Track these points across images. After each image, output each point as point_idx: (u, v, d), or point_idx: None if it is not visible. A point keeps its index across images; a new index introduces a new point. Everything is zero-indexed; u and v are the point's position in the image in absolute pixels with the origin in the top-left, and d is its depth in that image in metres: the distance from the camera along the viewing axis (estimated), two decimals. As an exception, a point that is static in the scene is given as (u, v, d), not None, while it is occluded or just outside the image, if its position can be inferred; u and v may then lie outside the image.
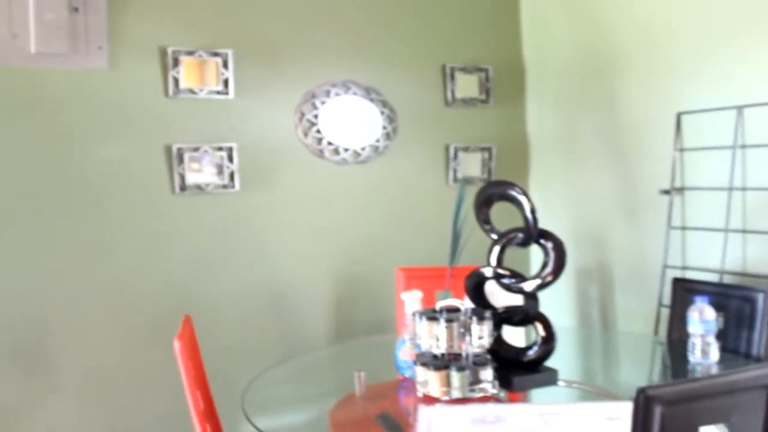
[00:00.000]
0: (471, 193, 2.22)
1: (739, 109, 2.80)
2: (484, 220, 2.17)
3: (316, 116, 3.33)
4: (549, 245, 2.05)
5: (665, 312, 3.00)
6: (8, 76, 2.86)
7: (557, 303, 3.52)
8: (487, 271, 2.08)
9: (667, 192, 3.08)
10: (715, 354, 2.24)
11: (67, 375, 2.98)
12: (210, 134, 3.20)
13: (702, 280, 2.86)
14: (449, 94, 3.65)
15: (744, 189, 2.84)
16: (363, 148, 3.43)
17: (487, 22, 3.79)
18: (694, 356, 2.26)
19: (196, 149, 3.15)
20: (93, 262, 3.02)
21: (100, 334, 3.04)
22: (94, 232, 3.02)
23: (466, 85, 3.69)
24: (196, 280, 3.19)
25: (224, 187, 3.20)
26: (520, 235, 2.08)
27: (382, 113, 3.45)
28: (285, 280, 3.36)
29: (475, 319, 1.93)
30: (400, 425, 1.91)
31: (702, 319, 2.26)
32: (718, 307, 2.33)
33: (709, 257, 2.96)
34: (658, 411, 1.28)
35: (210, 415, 2.10)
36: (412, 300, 2.12)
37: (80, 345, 3.00)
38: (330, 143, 3.36)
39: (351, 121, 3.41)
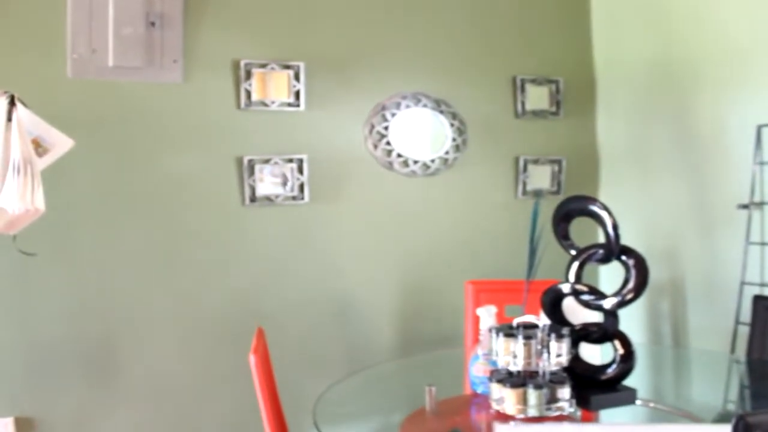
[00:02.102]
0: (541, 207, 2.19)
1: (824, 121, 2.70)
2: (562, 235, 2.13)
3: (386, 128, 3.33)
4: (631, 262, 2.00)
5: (743, 330, 2.90)
6: (87, 89, 2.94)
7: (626, 318, 3.42)
8: (566, 287, 2.04)
9: (745, 206, 2.99)
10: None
11: (136, 386, 3.04)
12: (280, 146, 3.23)
13: (784, 297, 2.76)
14: (519, 106, 3.62)
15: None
16: (432, 161, 3.42)
17: (558, 33, 3.75)
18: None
19: (267, 161, 3.18)
20: (164, 273, 3.07)
21: (168, 345, 3.09)
22: (166, 243, 3.08)
23: (537, 97, 3.65)
24: (265, 290, 3.22)
25: (293, 198, 3.22)
26: (601, 252, 2.04)
27: (452, 125, 3.44)
28: (352, 291, 3.36)
29: (553, 336, 1.90)
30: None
31: (787, 339, 2.18)
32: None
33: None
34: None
35: (281, 427, 2.11)
36: (487, 315, 2.09)
37: (149, 356, 3.05)
38: (399, 155, 3.36)
39: (421, 133, 3.40)
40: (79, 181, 2.93)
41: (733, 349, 2.98)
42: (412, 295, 3.45)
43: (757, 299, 2.79)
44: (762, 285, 2.98)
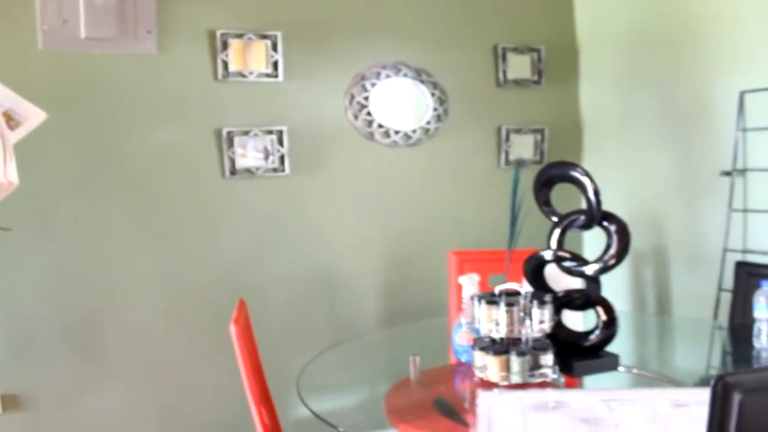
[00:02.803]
0: (523, 176, 2.16)
1: (807, 86, 2.69)
2: (544, 202, 2.11)
3: (366, 98, 3.29)
4: (612, 228, 1.99)
5: (725, 297, 2.91)
6: (59, 61, 2.87)
7: (611, 287, 3.43)
8: (548, 254, 2.02)
9: (728, 173, 2.99)
10: (782, 342, 2.16)
11: (120, 359, 3.01)
12: (260, 117, 3.18)
13: (767, 263, 2.77)
14: (501, 75, 3.58)
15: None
16: (414, 131, 3.38)
17: (539, 0, 3.71)
18: (760, 342, 2.18)
19: (246, 133, 3.13)
20: (144, 246, 3.04)
21: (152, 320, 3.06)
22: (146, 217, 3.04)
23: (518, 66, 3.61)
24: (248, 263, 3.19)
25: (274, 170, 3.18)
26: (582, 218, 2.03)
27: (433, 95, 3.40)
28: (336, 263, 3.34)
29: (535, 303, 1.88)
30: (457, 410, 1.87)
31: (769, 304, 2.18)
32: (784, 293, 2.24)
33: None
34: (737, 399, 1.22)
35: (264, 398, 2.09)
36: (469, 284, 2.07)
37: (133, 331, 3.03)
38: (380, 126, 3.32)
39: (401, 103, 3.36)
40: (55, 154, 2.88)
41: (716, 316, 2.99)
42: (396, 266, 3.44)
43: (740, 265, 2.79)
44: (744, 252, 2.98)
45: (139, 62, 2.99)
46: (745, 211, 2.99)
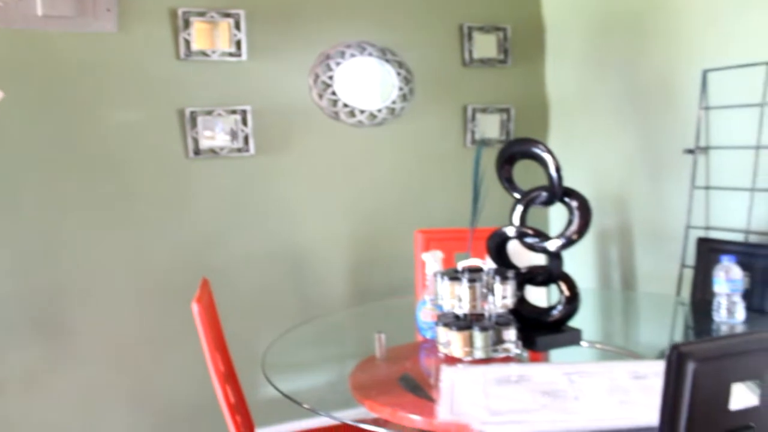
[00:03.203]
0: (490, 155, 2.16)
1: (768, 64, 2.72)
2: (506, 178, 2.12)
3: (331, 78, 3.26)
4: (574, 204, 2.00)
5: (688, 273, 2.95)
6: (15, 39, 2.81)
7: (577, 264, 3.47)
8: (510, 231, 2.03)
9: (691, 151, 3.01)
10: (741, 313, 2.20)
11: (85, 340, 2.98)
12: (223, 97, 3.15)
13: (727, 239, 2.80)
14: (467, 55, 3.58)
15: (771, 146, 2.76)
16: (379, 110, 3.37)
17: (506, -21, 3.70)
18: (719, 315, 2.21)
19: (210, 113, 3.10)
20: (108, 227, 3.00)
21: (117, 299, 3.03)
22: (109, 198, 3.00)
23: (484, 45, 3.61)
24: (213, 243, 3.17)
25: (239, 150, 3.15)
26: (544, 194, 2.03)
27: (399, 74, 3.39)
28: (302, 243, 3.33)
29: (498, 278, 1.89)
30: (422, 386, 1.87)
31: (728, 278, 2.21)
32: (744, 266, 2.27)
33: (733, 217, 2.89)
34: (690, 367, 1.25)
35: (230, 377, 2.08)
36: (432, 260, 2.07)
37: (97, 310, 3.00)
38: (345, 105, 3.30)
39: (367, 82, 3.34)
40: (13, 133, 2.83)
41: (678, 291, 3.03)
42: (363, 246, 3.43)
43: (702, 241, 2.83)
44: (707, 228, 3.02)
45: (98, 41, 2.94)
46: (707, 188, 3.02)
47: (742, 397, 1.40)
